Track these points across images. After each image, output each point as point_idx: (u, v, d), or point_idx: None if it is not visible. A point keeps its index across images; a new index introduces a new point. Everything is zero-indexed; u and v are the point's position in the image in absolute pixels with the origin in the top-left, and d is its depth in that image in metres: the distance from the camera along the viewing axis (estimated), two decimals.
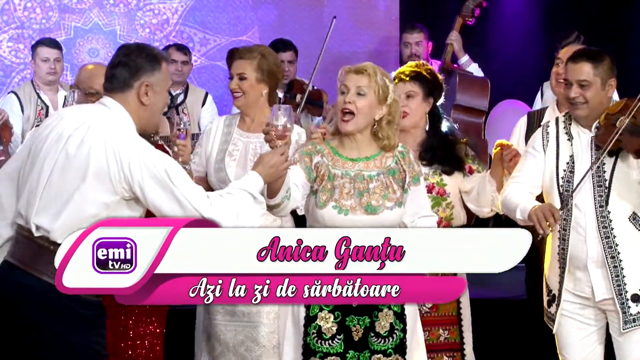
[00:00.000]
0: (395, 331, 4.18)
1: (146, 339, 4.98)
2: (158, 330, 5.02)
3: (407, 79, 4.84)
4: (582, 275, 4.60)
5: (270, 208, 4.11)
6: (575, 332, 4.67)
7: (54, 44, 7.51)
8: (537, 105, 7.61)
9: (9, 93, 7.64)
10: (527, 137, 5.33)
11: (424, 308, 4.78)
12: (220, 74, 9.00)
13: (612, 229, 4.56)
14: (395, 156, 4.27)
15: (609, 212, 4.57)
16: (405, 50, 7.84)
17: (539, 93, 7.60)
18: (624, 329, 4.55)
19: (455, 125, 5.07)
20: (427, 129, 4.92)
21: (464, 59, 7.47)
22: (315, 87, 7.61)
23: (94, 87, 4.90)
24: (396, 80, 4.79)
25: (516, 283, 6.02)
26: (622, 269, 4.55)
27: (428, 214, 4.36)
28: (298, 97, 7.31)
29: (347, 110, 4.17)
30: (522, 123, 5.52)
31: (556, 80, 5.62)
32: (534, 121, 5.46)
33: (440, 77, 5.00)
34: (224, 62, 9.02)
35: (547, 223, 4.38)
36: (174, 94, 7.79)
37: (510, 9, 9.20)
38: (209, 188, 4.78)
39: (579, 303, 4.65)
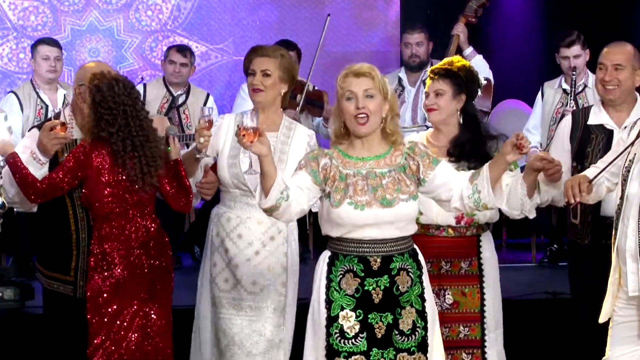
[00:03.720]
0: (418, 329, 4.17)
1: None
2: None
3: (436, 77, 4.86)
4: (624, 269, 4.44)
5: (267, 211, 4.12)
6: (620, 330, 4.46)
7: (54, 42, 7.51)
8: (538, 105, 7.59)
9: (8, 93, 7.61)
10: (572, 136, 5.26)
11: (445, 305, 4.78)
12: (220, 73, 8.99)
13: None
14: (404, 153, 4.27)
15: None
16: (405, 50, 7.82)
17: (540, 93, 7.59)
18: None
19: (487, 122, 5.02)
20: (459, 126, 4.88)
21: (468, 50, 7.43)
22: (316, 88, 7.59)
23: None
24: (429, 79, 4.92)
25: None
26: None
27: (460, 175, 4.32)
28: (298, 97, 7.30)
29: (362, 115, 4.18)
30: (567, 123, 5.36)
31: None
32: (579, 120, 5.33)
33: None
34: (223, 61, 9.07)
35: (572, 193, 4.38)
36: (175, 94, 7.75)
37: (511, 9, 9.20)
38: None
39: (625, 300, 4.45)
